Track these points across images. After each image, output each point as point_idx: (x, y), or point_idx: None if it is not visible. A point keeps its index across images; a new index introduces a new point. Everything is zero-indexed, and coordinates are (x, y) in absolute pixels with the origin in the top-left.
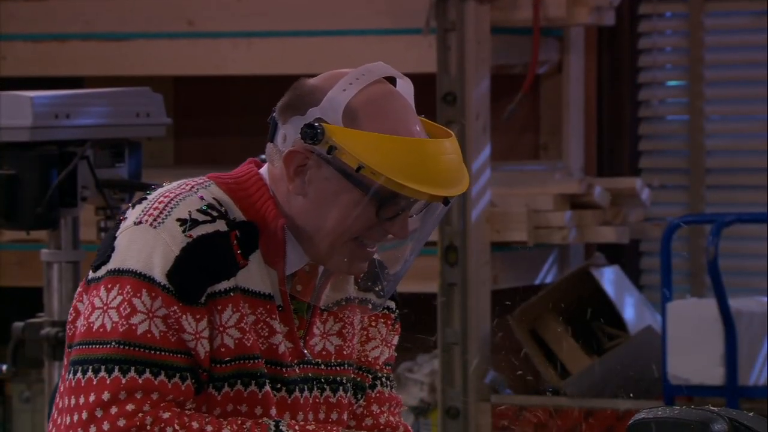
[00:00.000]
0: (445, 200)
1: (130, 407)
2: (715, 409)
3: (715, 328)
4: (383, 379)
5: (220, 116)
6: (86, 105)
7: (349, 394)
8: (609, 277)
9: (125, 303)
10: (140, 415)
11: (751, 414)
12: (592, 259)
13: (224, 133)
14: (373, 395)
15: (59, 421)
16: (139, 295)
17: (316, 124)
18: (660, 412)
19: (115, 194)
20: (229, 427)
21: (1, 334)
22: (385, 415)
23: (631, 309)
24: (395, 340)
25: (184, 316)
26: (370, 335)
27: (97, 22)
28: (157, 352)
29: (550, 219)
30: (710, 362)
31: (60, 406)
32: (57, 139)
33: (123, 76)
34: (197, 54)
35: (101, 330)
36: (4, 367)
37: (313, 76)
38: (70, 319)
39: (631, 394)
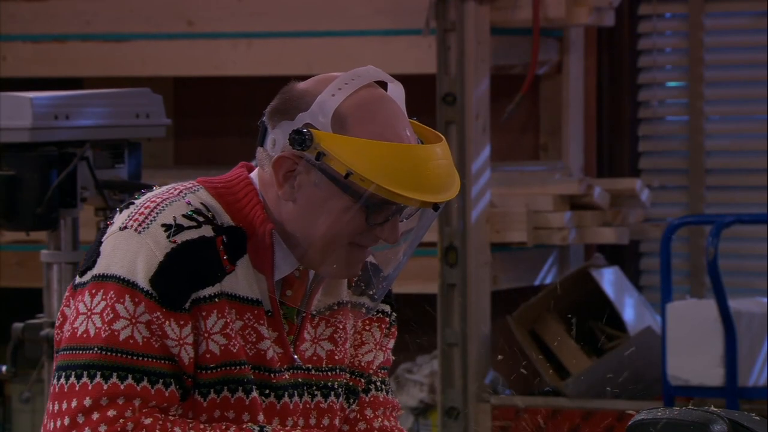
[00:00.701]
0: (435, 206)
1: (111, 413)
2: (715, 409)
3: (715, 329)
4: (378, 384)
5: (219, 117)
6: (86, 106)
7: (341, 399)
8: (609, 278)
9: (108, 309)
10: (121, 421)
11: (752, 415)
12: (591, 260)
13: (224, 133)
14: (367, 399)
15: (48, 425)
16: (122, 300)
17: (304, 130)
18: (660, 413)
19: (114, 195)
20: None
21: (1, 334)
22: (380, 419)
23: (630, 310)
24: (391, 344)
25: (167, 322)
26: (363, 339)
27: (97, 22)
28: (140, 358)
29: (549, 220)
30: (710, 363)
31: (48, 410)
32: (57, 140)
33: (123, 77)
34: (197, 54)
35: (84, 336)
36: (4, 368)
37: (311, 77)
38: (57, 324)
39: (631, 395)
